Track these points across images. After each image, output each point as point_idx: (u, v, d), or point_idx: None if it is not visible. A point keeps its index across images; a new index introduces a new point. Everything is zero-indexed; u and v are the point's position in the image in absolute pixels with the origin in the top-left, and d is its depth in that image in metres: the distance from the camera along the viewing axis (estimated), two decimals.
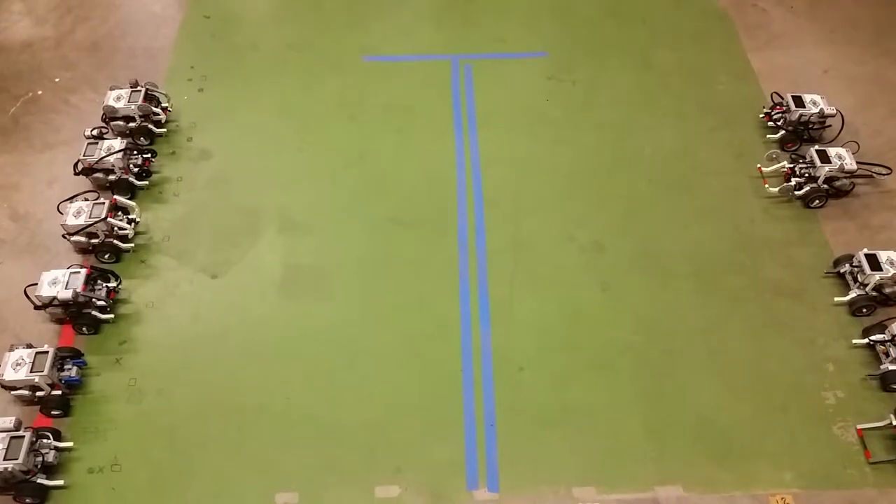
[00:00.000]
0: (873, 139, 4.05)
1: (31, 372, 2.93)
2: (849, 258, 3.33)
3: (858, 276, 3.26)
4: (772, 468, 2.88)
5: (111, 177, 3.67)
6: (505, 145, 3.98)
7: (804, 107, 3.84)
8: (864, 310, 3.26)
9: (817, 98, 3.86)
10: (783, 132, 3.92)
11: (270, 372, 3.14)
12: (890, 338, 3.07)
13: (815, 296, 3.37)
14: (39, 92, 4.27)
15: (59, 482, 2.83)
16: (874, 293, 3.23)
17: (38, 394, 3.00)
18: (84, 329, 3.23)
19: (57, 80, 4.33)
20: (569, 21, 4.69)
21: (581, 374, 3.14)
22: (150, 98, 3.90)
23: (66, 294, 3.11)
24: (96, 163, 3.61)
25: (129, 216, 3.51)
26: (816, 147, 3.59)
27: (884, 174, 3.71)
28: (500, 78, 4.33)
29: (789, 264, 3.48)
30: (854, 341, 3.20)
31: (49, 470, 2.85)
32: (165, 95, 4.03)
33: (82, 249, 3.48)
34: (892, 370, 3.03)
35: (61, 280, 3.15)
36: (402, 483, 2.85)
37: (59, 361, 3.01)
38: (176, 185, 3.79)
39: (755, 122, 4.08)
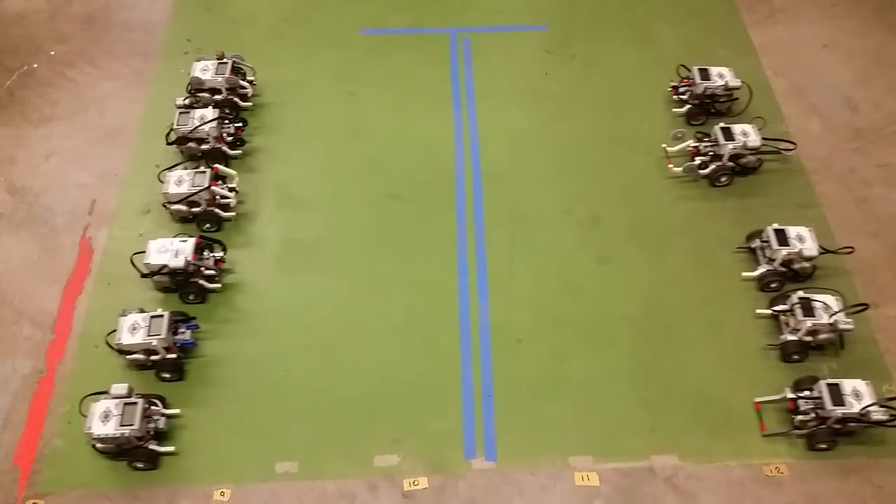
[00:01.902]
0: (872, 113, 4.04)
1: (148, 335, 2.93)
2: (759, 233, 3.31)
3: (766, 251, 3.24)
4: (766, 438, 2.91)
5: (204, 146, 3.64)
6: (503, 119, 3.97)
7: (710, 80, 3.77)
8: (773, 285, 3.25)
9: (724, 70, 3.80)
10: (689, 106, 3.87)
11: (269, 344, 3.15)
12: (790, 307, 3.07)
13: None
14: (35, 65, 4.24)
15: (171, 448, 2.86)
16: (782, 268, 3.21)
17: (153, 358, 3.00)
18: (191, 298, 3.23)
19: (52, 53, 4.30)
20: None
21: (578, 346, 3.16)
22: (235, 70, 3.86)
23: (179, 262, 3.09)
24: (190, 132, 3.58)
25: (230, 185, 3.49)
26: (721, 124, 3.54)
27: (790, 150, 3.66)
28: (498, 51, 4.30)
29: None
30: (757, 311, 3.21)
31: (159, 436, 2.87)
32: (251, 68, 3.97)
33: (183, 219, 3.47)
34: (791, 340, 3.05)
35: (170, 248, 3.12)
36: (400, 452, 2.88)
37: (173, 325, 3.00)
38: (174, 159, 3.78)
39: (759, 96, 4.05)
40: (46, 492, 2.82)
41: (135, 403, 2.77)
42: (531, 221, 3.55)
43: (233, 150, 3.70)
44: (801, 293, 3.07)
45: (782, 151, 3.69)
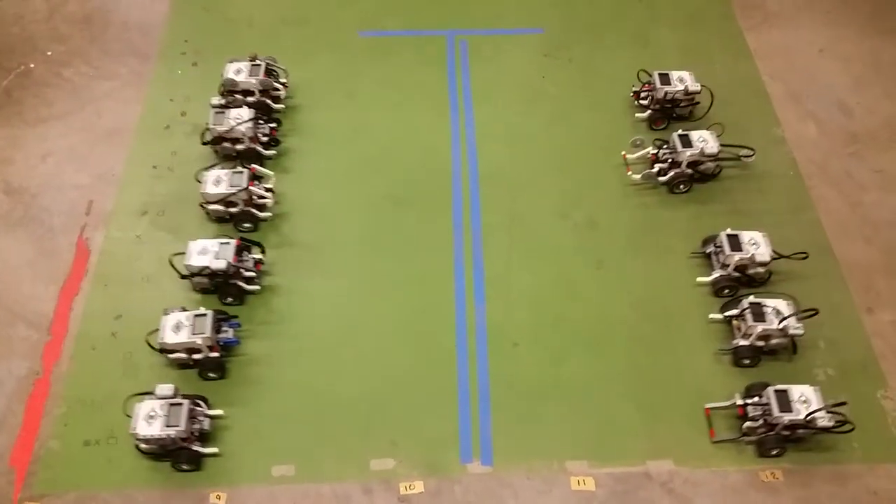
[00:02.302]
0: (868, 118, 4.06)
1: (192, 334, 2.91)
2: (713, 238, 3.30)
3: (720, 256, 3.24)
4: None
5: (239, 146, 3.64)
6: (501, 122, 3.97)
7: (670, 84, 3.77)
8: (727, 290, 3.25)
9: (685, 75, 3.80)
10: (650, 111, 3.87)
11: (265, 346, 3.15)
12: (741, 312, 3.07)
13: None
14: (32, 65, 4.22)
15: (214, 450, 2.85)
16: (737, 273, 3.21)
17: (195, 356, 2.99)
18: (230, 300, 3.22)
19: (49, 53, 4.29)
20: None
21: (575, 349, 3.17)
22: (268, 73, 3.86)
23: (220, 264, 3.07)
24: (226, 132, 3.58)
25: (266, 185, 3.48)
26: (679, 131, 3.53)
27: (749, 156, 3.67)
28: (496, 54, 4.31)
29: (782, 241, 3.49)
30: (710, 316, 3.21)
31: (203, 437, 2.86)
32: (284, 70, 3.97)
33: (219, 218, 3.46)
34: (742, 345, 3.04)
35: (211, 250, 3.11)
36: (397, 456, 2.88)
37: (216, 323, 2.99)
38: (171, 160, 3.78)
39: (755, 101, 4.08)
40: (42, 494, 2.81)
41: (180, 404, 2.76)
42: (528, 224, 3.56)
43: (267, 150, 3.70)
44: (752, 298, 3.07)
45: (742, 158, 3.70)
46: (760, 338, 3.02)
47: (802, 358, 3.14)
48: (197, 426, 2.82)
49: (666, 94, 3.79)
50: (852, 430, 2.80)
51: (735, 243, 3.19)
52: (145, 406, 2.77)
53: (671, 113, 3.87)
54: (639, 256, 3.44)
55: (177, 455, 2.78)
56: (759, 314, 3.01)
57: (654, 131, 3.89)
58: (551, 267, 3.40)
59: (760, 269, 3.23)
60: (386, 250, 3.46)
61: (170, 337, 2.93)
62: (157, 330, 2.98)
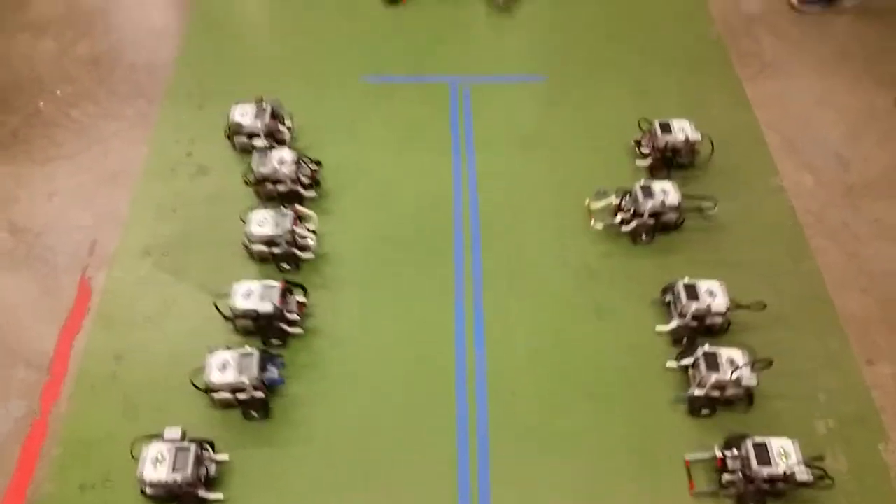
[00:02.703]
0: (864, 168, 4.12)
1: (239, 374, 2.89)
2: (672, 287, 3.30)
3: (677, 305, 3.24)
4: None
5: (280, 187, 3.67)
6: (502, 167, 4.02)
7: (671, 133, 3.82)
8: (685, 340, 3.24)
9: (685, 124, 3.85)
10: (651, 159, 3.92)
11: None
12: (694, 361, 3.05)
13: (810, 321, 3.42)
14: (41, 104, 4.29)
15: (219, 495, 2.81)
16: (694, 323, 3.20)
17: (240, 396, 2.96)
18: (274, 342, 3.21)
19: (58, 93, 4.36)
20: (567, 46, 4.75)
21: (574, 398, 3.17)
22: (274, 116, 3.91)
23: (267, 307, 3.07)
24: (270, 174, 3.61)
25: (309, 226, 3.51)
26: (641, 182, 3.56)
27: (712, 207, 3.70)
28: (498, 100, 4.38)
29: (781, 292, 3.52)
30: (667, 364, 3.20)
31: (209, 482, 2.82)
32: (289, 114, 4.02)
33: (262, 259, 3.48)
34: (697, 395, 3.02)
35: (255, 292, 3.11)
36: (393, 503, 2.85)
37: (262, 362, 2.97)
38: (175, 200, 3.81)
39: (754, 149, 4.14)
40: None
41: (187, 449, 2.74)
42: (528, 270, 3.58)
43: (307, 191, 3.73)
44: (706, 347, 3.05)
45: (704, 210, 3.72)
46: (715, 388, 2.99)
47: (801, 409, 3.14)
48: (203, 471, 2.78)
49: (667, 142, 3.83)
50: (832, 485, 2.78)
51: (692, 292, 3.19)
52: (153, 449, 2.74)
53: (672, 161, 3.92)
54: (637, 304, 3.45)
55: (183, 500, 2.75)
56: (712, 364, 2.98)
57: (655, 179, 3.93)
58: (550, 314, 3.41)
59: (718, 319, 3.22)
60: (383, 293, 3.47)
61: (216, 376, 2.91)
62: (201, 369, 2.96)
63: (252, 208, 3.48)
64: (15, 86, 4.38)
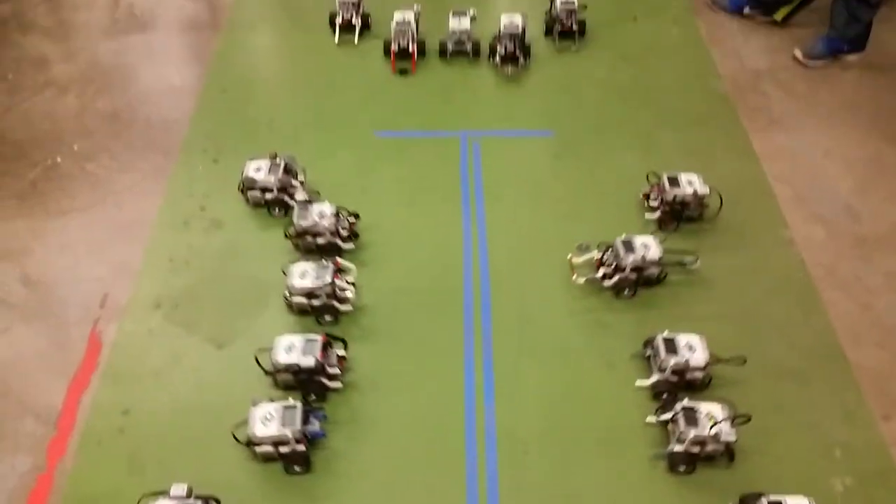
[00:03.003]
0: (874, 221, 4.11)
1: (282, 426, 2.87)
2: (651, 341, 3.27)
3: (655, 359, 3.21)
4: None
5: (319, 240, 3.72)
6: (511, 220, 4.05)
7: (679, 186, 3.83)
8: (666, 395, 3.19)
9: (693, 177, 3.87)
10: (660, 212, 3.93)
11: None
12: (673, 416, 2.99)
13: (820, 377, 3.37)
14: (58, 159, 4.38)
15: None
16: (674, 378, 3.16)
17: (282, 449, 2.93)
18: (313, 396, 3.21)
19: (76, 147, 4.45)
20: (575, 102, 4.83)
21: (586, 453, 3.11)
22: (287, 171, 3.97)
23: (309, 361, 3.07)
24: (310, 227, 3.66)
25: (348, 279, 3.53)
26: (623, 237, 3.56)
27: (693, 262, 3.69)
28: (507, 154, 4.44)
29: (793, 345, 3.48)
30: (647, 419, 3.15)
31: None
32: (303, 169, 4.09)
33: (301, 310, 3.50)
34: (677, 451, 2.95)
35: (297, 346, 3.12)
36: None
37: (304, 415, 2.96)
38: (188, 253, 3.84)
39: (762, 203, 4.15)
40: None
41: None
42: (538, 322, 3.57)
43: (346, 243, 3.77)
44: (686, 401, 3.00)
45: (686, 265, 3.71)
46: (695, 443, 2.93)
47: (817, 466, 3.07)
48: None
49: (675, 196, 3.85)
50: None
51: (671, 347, 3.16)
52: None
53: (681, 214, 3.93)
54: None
55: None
56: (691, 419, 2.94)
57: (663, 232, 3.94)
58: (561, 368, 3.38)
59: (698, 374, 3.18)
60: (394, 346, 3.46)
61: (259, 429, 2.88)
62: (243, 423, 2.94)
63: (292, 261, 3.52)
64: (35, 141, 4.49)
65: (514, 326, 3.53)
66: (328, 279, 3.39)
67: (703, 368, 3.17)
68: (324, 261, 3.49)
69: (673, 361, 3.13)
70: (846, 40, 5.06)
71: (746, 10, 5.51)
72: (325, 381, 3.19)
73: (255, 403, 2.97)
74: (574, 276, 3.69)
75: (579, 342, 3.48)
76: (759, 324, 3.57)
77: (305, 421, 2.97)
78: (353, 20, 5.21)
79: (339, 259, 3.56)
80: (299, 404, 2.95)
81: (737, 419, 2.96)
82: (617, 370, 3.38)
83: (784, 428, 3.13)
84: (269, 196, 3.96)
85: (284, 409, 2.92)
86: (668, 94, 4.89)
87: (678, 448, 2.96)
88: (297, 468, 2.99)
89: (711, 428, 2.89)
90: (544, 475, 3.04)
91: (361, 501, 2.95)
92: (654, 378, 3.22)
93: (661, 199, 3.92)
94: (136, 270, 3.78)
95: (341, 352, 3.30)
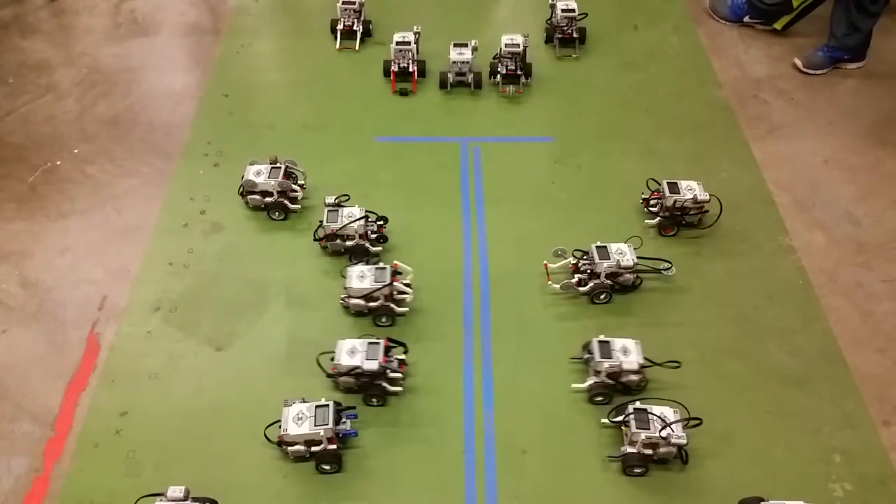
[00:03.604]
0: (875, 228, 4.11)
1: (314, 426, 2.87)
2: (588, 345, 3.27)
3: (591, 363, 3.22)
4: None
5: (348, 243, 3.74)
6: (511, 225, 4.05)
7: (679, 193, 3.84)
8: (600, 398, 3.20)
9: (693, 184, 3.88)
10: (659, 218, 3.94)
11: (268, 450, 3.09)
12: (625, 418, 3.00)
13: (819, 381, 3.37)
14: (58, 162, 4.38)
15: None
16: (610, 381, 3.16)
17: (314, 449, 2.93)
18: (374, 401, 3.20)
19: (76, 151, 4.46)
20: (575, 109, 4.84)
21: (584, 457, 3.10)
22: (288, 175, 3.98)
23: (372, 365, 3.07)
24: (339, 230, 3.68)
25: (405, 280, 3.54)
26: (597, 243, 3.57)
27: (668, 269, 3.69)
28: (507, 160, 4.44)
29: (794, 351, 3.47)
30: (602, 420, 3.14)
31: None
32: (303, 173, 4.11)
33: (359, 313, 3.51)
34: (631, 453, 2.96)
35: (359, 349, 3.12)
36: None
37: (336, 414, 2.95)
38: (188, 257, 3.84)
39: (762, 209, 4.15)
40: None
41: None
42: (537, 327, 3.56)
43: (374, 246, 3.78)
44: (637, 404, 3.01)
45: (662, 271, 3.72)
46: (647, 445, 2.94)
47: (816, 471, 3.05)
48: None
49: (675, 202, 3.86)
50: None
51: (605, 350, 3.17)
52: None
53: (680, 221, 3.93)
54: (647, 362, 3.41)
55: None
56: (642, 421, 2.94)
57: (663, 237, 3.94)
58: (558, 373, 3.37)
59: (633, 377, 3.18)
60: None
61: (293, 429, 2.88)
62: (276, 422, 2.95)
63: (347, 266, 3.54)
64: (35, 144, 4.49)
65: (513, 331, 3.53)
66: (387, 281, 3.42)
67: (638, 372, 3.18)
68: (381, 263, 3.54)
69: (607, 364, 3.14)
70: (846, 49, 5.08)
71: (747, 18, 5.52)
72: (386, 385, 3.19)
73: (287, 404, 2.97)
74: (549, 281, 3.70)
75: (576, 347, 3.46)
76: (759, 329, 3.56)
77: (338, 420, 2.98)
78: (355, 26, 5.22)
79: (397, 262, 3.57)
80: (331, 403, 2.95)
81: (686, 421, 2.97)
82: None
83: (784, 433, 3.11)
84: (269, 200, 3.96)
85: (317, 408, 2.93)
86: (668, 102, 4.90)
87: (631, 450, 2.97)
88: (326, 467, 2.98)
89: (662, 430, 2.88)
90: (542, 475, 3.02)
91: (361, 500, 2.97)
92: (591, 381, 3.23)
93: (661, 205, 3.93)
94: (135, 273, 3.78)
95: (401, 356, 3.29)
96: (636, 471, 3.00)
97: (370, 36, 5.32)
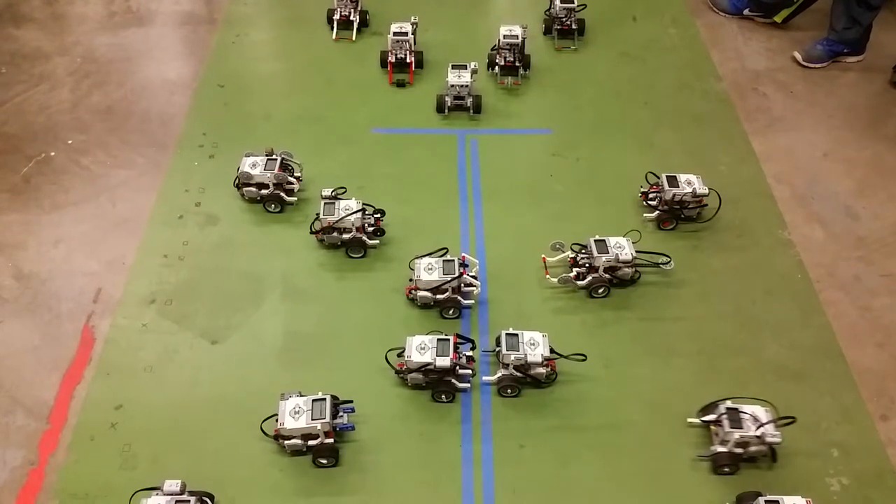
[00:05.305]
0: (874, 223, 4.10)
1: (311, 419, 2.86)
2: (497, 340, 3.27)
3: (499, 355, 3.20)
4: None
5: (345, 236, 3.72)
6: (509, 218, 4.03)
7: (678, 186, 3.82)
8: (509, 390, 3.21)
9: (692, 178, 3.86)
10: (658, 212, 3.92)
11: (264, 444, 3.07)
12: (717, 418, 3.00)
13: (818, 377, 3.36)
14: (52, 153, 4.34)
15: None
16: (518, 373, 3.18)
17: (311, 443, 2.92)
18: (443, 398, 3.19)
19: (70, 141, 4.42)
20: (574, 101, 4.81)
21: (582, 451, 3.09)
22: (284, 167, 3.95)
23: (444, 361, 3.05)
24: (336, 222, 3.64)
25: (471, 272, 3.53)
26: (596, 237, 3.55)
27: (667, 263, 3.67)
28: (505, 153, 4.41)
29: (792, 346, 3.47)
30: (689, 420, 3.14)
31: None
32: (299, 165, 4.07)
33: (425, 305, 3.52)
34: (721, 452, 2.96)
35: (429, 346, 3.09)
36: None
37: (334, 408, 2.94)
38: (183, 249, 3.81)
39: (761, 203, 4.13)
40: None
41: (187, 502, 2.68)
42: (535, 320, 3.54)
43: (371, 239, 3.76)
44: (728, 403, 3.01)
45: (661, 265, 3.70)
46: (738, 445, 2.94)
47: (814, 466, 3.05)
48: None
49: (674, 196, 3.84)
50: None
51: (512, 343, 3.17)
52: (151, 502, 2.68)
53: (679, 214, 3.91)
54: (647, 356, 3.40)
55: None
56: (735, 420, 2.95)
57: (662, 231, 3.93)
58: (557, 364, 3.35)
59: (541, 370, 3.19)
60: (391, 344, 3.42)
61: (289, 423, 2.87)
62: (272, 416, 2.94)
63: (414, 258, 3.52)
64: (29, 135, 4.45)
65: (510, 324, 3.49)
66: (455, 273, 3.40)
67: (544, 364, 3.18)
68: (449, 255, 3.52)
69: (513, 357, 3.14)
70: (846, 43, 5.06)
71: (746, 11, 5.49)
72: (455, 381, 3.17)
73: (283, 397, 2.96)
74: (547, 275, 3.68)
75: (576, 340, 3.45)
76: (757, 323, 3.55)
77: (335, 414, 2.97)
78: (352, 16, 5.18)
79: (465, 254, 3.56)
80: (328, 397, 2.94)
81: (781, 421, 2.95)
82: (613, 369, 3.36)
83: (781, 427, 3.10)
84: (264, 192, 3.94)
85: (314, 402, 2.91)
86: (667, 94, 4.87)
87: (722, 449, 2.96)
88: (323, 461, 2.97)
89: (758, 429, 2.89)
90: (541, 469, 3.01)
91: (361, 499, 2.94)
92: (500, 373, 3.23)
93: (660, 199, 3.91)
94: (130, 265, 3.75)
95: (469, 352, 3.26)
96: (725, 469, 2.99)
97: (367, 26, 5.29)
